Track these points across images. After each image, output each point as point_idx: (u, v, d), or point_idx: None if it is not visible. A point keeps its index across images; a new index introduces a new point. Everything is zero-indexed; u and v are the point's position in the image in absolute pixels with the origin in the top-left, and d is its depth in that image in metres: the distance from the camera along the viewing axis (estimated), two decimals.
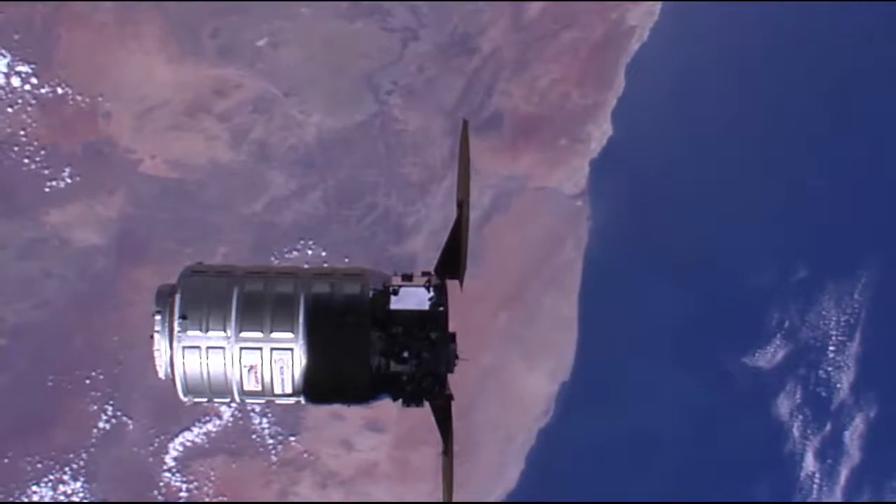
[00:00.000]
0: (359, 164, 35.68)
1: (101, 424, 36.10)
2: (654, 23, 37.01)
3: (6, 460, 35.69)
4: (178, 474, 36.52)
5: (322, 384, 8.07)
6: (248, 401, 8.14)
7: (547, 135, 36.86)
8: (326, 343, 7.97)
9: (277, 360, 7.96)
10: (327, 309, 7.99)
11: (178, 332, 7.95)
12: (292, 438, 36.77)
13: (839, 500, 40.07)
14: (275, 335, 7.95)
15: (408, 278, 8.31)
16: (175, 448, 36.35)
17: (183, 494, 36.73)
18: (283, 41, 35.10)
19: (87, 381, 35.46)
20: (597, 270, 37.75)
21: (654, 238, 38.10)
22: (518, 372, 37.99)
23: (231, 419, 36.47)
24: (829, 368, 39.73)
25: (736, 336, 38.97)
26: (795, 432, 39.60)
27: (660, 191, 38.04)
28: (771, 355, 39.30)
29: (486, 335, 37.51)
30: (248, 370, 7.97)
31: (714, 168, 37.96)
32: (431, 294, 8.23)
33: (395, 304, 8.14)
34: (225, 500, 36.89)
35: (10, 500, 35.83)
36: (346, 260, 35.32)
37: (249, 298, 8.01)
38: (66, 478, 36.13)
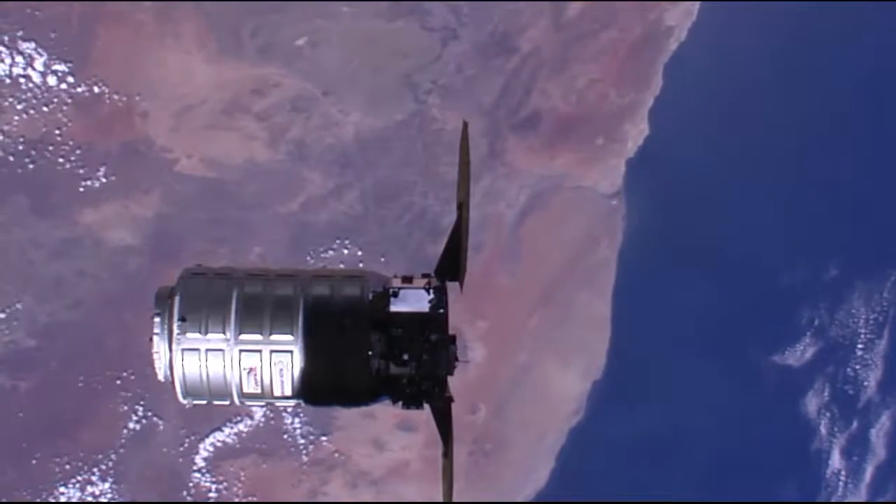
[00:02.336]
0: (396, 164, 35.53)
1: (131, 425, 35.88)
2: (691, 23, 37.01)
3: (34, 461, 35.38)
4: (207, 475, 36.34)
5: (322, 386, 8.06)
6: (247, 403, 8.15)
7: (584, 134, 36.83)
8: (326, 345, 7.96)
9: (277, 362, 7.95)
10: (327, 311, 8.00)
11: (178, 334, 7.96)
12: (324, 438, 36.64)
13: (864, 497, 40.31)
14: (274, 337, 7.96)
15: (408, 280, 8.32)
16: (205, 448, 36.16)
17: (212, 495, 36.57)
18: (323, 40, 34.88)
19: (118, 382, 35.19)
20: (631, 269, 37.75)
21: (688, 237, 38.15)
22: (550, 371, 38.00)
23: (263, 419, 36.31)
24: (857, 366, 39.94)
25: (767, 334, 39.10)
26: (823, 430, 39.81)
27: (694, 190, 38.07)
28: (800, 353, 39.47)
29: (521, 334, 37.51)
30: (248, 372, 7.97)
31: (748, 167, 38.02)
32: (431, 296, 8.20)
33: (395, 306, 8.15)
34: (254, 500, 36.73)
35: (38, 500, 35.59)
36: (383, 259, 35.22)
37: (249, 300, 8.01)
38: (94, 479, 35.89)
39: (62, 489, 35.80)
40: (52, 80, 34.06)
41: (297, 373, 7.96)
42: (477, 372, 37.27)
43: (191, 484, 36.36)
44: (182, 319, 7.96)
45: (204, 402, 8.16)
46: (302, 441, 36.56)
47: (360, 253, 35.59)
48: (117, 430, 35.84)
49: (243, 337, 7.95)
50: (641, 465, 38.49)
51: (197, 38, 34.43)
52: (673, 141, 37.33)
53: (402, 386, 8.21)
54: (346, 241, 35.67)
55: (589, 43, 36.33)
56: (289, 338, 7.94)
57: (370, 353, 8.04)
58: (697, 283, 38.18)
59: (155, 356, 8.04)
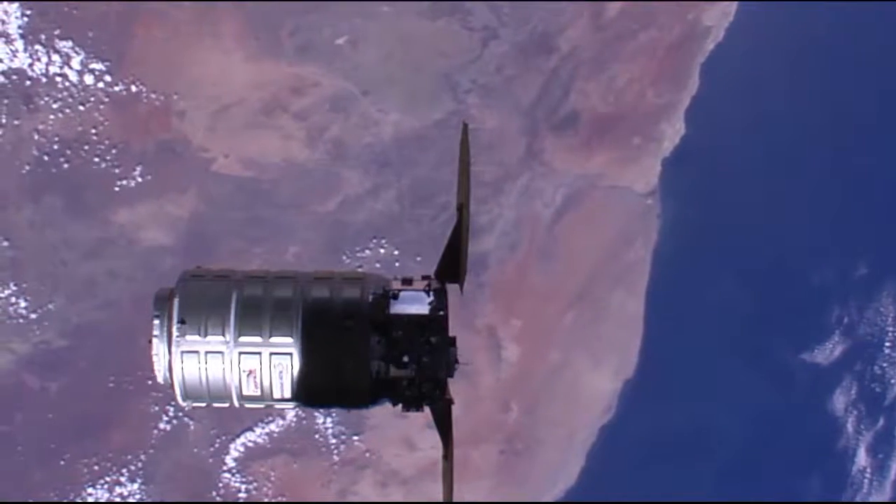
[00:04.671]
0: (434, 163, 35.35)
1: (161, 426, 35.68)
2: (729, 23, 37.03)
3: (62, 462, 35.15)
4: (237, 475, 36.21)
5: (321, 389, 8.00)
6: (247, 405, 8.07)
7: (621, 134, 36.80)
8: (326, 348, 7.89)
9: (277, 364, 7.88)
10: (327, 313, 7.94)
11: (177, 336, 7.88)
12: (355, 438, 36.54)
13: (888, 495, 40.60)
14: (274, 340, 7.89)
15: (408, 282, 8.24)
16: (236, 449, 36.02)
17: (242, 495, 36.42)
18: (363, 39, 34.66)
19: (150, 382, 34.90)
20: (665, 268, 37.81)
21: (721, 236, 38.28)
22: (583, 369, 38.04)
23: (294, 419, 36.18)
24: (885, 364, 40.20)
25: (797, 332, 39.29)
26: (850, 427, 40.04)
27: (728, 189, 38.18)
28: (829, 351, 39.69)
29: (554, 333, 37.51)
30: (248, 375, 7.90)
31: (781, 167, 38.14)
32: (431, 298, 8.13)
33: (395, 308, 8.08)
34: (284, 500, 36.60)
35: (65, 500, 35.36)
36: (419, 259, 35.06)
37: (248, 303, 7.94)
38: (123, 479, 35.68)
39: (90, 490, 35.57)
40: (89, 79, 33.70)
41: (296, 375, 7.89)
42: (510, 371, 37.28)
43: (220, 484, 36.21)
44: (181, 322, 7.87)
45: (204, 404, 8.10)
46: (333, 441, 36.45)
47: (396, 252, 35.46)
48: (147, 431, 35.66)
49: (243, 339, 7.86)
50: (670, 463, 38.59)
51: (236, 37, 34.13)
52: (708, 141, 37.37)
53: (402, 388, 8.10)
54: (383, 241, 35.52)
55: (628, 43, 36.28)
56: (288, 340, 7.86)
57: (370, 355, 7.95)
58: (729, 281, 38.31)
59: (154, 358, 7.94)
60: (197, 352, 7.86)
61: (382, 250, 35.53)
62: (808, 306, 39.28)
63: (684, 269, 38.10)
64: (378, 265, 35.23)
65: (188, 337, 7.85)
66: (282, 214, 35.07)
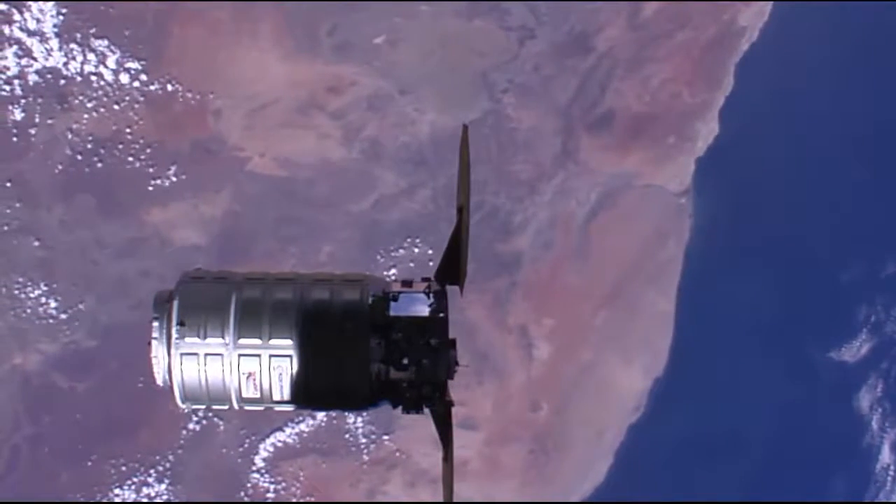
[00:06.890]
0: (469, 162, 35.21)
1: (190, 426, 35.49)
2: (763, 23, 37.04)
3: (90, 463, 34.95)
4: (266, 475, 36.08)
5: (321, 391, 8.02)
6: (246, 408, 8.09)
7: (656, 133, 36.78)
8: (326, 350, 7.92)
9: (276, 366, 7.90)
10: (326, 315, 7.97)
11: (176, 338, 7.90)
12: (385, 437, 36.44)
13: None
14: (273, 342, 7.91)
15: (407, 284, 8.27)
16: (266, 449, 35.89)
17: (270, 495, 36.28)
18: (401, 39, 34.54)
19: None
20: (696, 267, 37.84)
21: (751, 235, 38.33)
22: (613, 368, 38.02)
23: (325, 419, 36.01)
24: None
25: (825, 331, 39.38)
26: (874, 425, 40.19)
27: (759, 188, 38.24)
28: (856, 349, 39.80)
29: (586, 332, 37.49)
30: (247, 377, 7.90)
31: (811, 167, 38.22)
32: (431, 300, 8.16)
33: (395, 310, 8.10)
34: (312, 500, 36.50)
35: (92, 501, 35.19)
36: None
37: (248, 305, 7.94)
38: (150, 480, 35.51)
39: (117, 490, 35.37)
40: (124, 78, 33.44)
41: (296, 377, 7.89)
42: (541, 370, 37.25)
43: (248, 485, 36.08)
44: (181, 324, 7.88)
45: (203, 406, 8.13)
46: (364, 440, 36.33)
47: (430, 252, 35.35)
48: (176, 431, 35.49)
49: (242, 341, 7.85)
50: (698, 462, 38.66)
51: (273, 36, 33.93)
52: (742, 140, 37.40)
53: (402, 390, 8.11)
54: (417, 240, 35.40)
55: (664, 42, 36.24)
56: (288, 342, 7.86)
57: (370, 357, 7.96)
58: (759, 280, 38.35)
59: (153, 361, 7.97)
60: (196, 354, 7.86)
61: (417, 250, 35.42)
62: (836, 305, 39.35)
63: (715, 268, 38.13)
64: (412, 265, 35.15)
65: (187, 339, 7.85)
66: (317, 214, 34.91)
